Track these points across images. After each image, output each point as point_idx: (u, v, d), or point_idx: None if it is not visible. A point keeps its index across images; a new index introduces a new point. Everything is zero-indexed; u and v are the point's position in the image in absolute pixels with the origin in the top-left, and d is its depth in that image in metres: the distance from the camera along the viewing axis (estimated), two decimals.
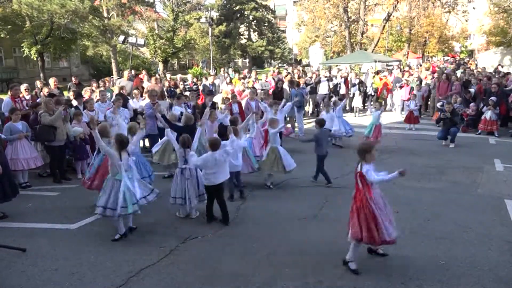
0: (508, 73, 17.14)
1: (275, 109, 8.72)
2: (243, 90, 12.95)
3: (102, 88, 10.55)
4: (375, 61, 22.11)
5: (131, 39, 20.55)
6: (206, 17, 36.79)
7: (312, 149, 7.61)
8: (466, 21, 33.21)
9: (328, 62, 28.68)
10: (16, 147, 7.25)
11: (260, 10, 43.79)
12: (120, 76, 19.88)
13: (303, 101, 13.53)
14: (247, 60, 48.96)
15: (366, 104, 16.69)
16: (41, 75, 25.25)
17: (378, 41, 31.35)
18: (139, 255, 4.81)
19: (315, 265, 4.57)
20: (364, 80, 17.01)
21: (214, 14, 41.43)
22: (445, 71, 17.60)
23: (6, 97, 9.04)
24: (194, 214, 5.97)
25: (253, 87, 12.44)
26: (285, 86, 13.40)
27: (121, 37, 22.42)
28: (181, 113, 8.18)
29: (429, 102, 16.19)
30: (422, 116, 14.47)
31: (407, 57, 37.98)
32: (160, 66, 35.44)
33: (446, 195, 6.92)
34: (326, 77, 15.84)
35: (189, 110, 9.08)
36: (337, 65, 25.47)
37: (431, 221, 5.79)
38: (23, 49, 25.08)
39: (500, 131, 12.12)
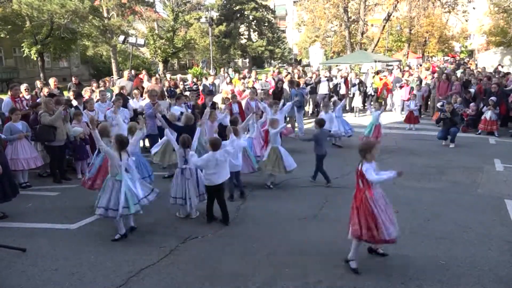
0: (508, 73, 17.14)
1: (275, 109, 8.72)
2: (243, 90, 12.95)
3: (102, 88, 10.55)
4: (375, 61, 22.11)
5: (131, 39, 20.56)
6: (206, 17, 36.79)
7: (312, 149, 7.62)
8: (466, 21, 33.21)
9: (328, 62, 28.68)
10: (16, 147, 7.25)
11: (260, 10, 43.79)
12: (120, 76, 19.88)
13: (303, 101, 13.53)
14: (247, 60, 48.97)
15: (366, 104, 16.69)
16: (41, 75, 25.25)
17: (378, 41, 31.35)
18: (139, 255, 4.81)
19: (315, 265, 4.57)
20: (364, 80, 17.01)
21: (214, 14, 41.44)
22: (445, 71, 17.61)
23: (6, 97, 9.05)
24: (194, 214, 5.98)
25: (253, 87, 12.44)
26: (285, 86, 13.40)
27: (121, 37, 22.43)
28: (181, 113, 8.18)
29: (429, 102, 16.20)
30: (422, 116, 14.47)
31: (407, 57, 37.99)
32: (160, 66, 35.44)
33: (446, 195, 6.93)
34: (326, 77, 15.84)
35: (189, 110, 9.08)
36: (337, 65, 25.48)
37: (431, 221, 5.79)
38: (23, 49, 25.08)
39: (500, 131, 12.12)
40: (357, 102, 16.17)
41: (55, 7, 22.64)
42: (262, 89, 13.65)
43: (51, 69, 29.99)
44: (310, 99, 15.90)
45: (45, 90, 9.91)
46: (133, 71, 15.67)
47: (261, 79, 15.91)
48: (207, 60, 34.25)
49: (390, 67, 23.88)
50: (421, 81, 16.38)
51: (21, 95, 8.89)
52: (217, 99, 11.66)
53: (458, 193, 7.04)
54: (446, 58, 51.21)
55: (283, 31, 58.54)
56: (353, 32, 32.50)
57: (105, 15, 27.80)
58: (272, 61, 48.40)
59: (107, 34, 27.42)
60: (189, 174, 5.80)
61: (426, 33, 41.10)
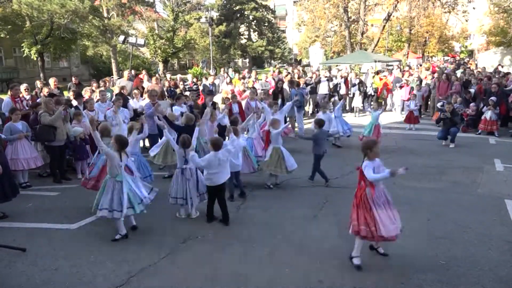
0: (508, 73, 17.13)
1: (275, 109, 8.73)
2: (243, 90, 12.95)
3: (102, 88, 10.55)
4: (375, 61, 22.12)
5: (131, 39, 20.56)
6: (206, 17, 36.81)
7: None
8: (466, 21, 33.21)
9: (328, 62, 28.68)
10: (16, 147, 7.25)
11: (260, 10, 43.81)
12: (120, 76, 19.89)
13: (303, 101, 13.53)
14: (247, 60, 48.97)
15: (365, 104, 16.69)
16: (41, 75, 25.27)
17: (378, 41, 31.35)
18: (139, 255, 4.81)
19: (315, 265, 4.57)
20: (364, 80, 17.01)
21: (214, 14, 41.46)
22: (445, 71, 17.61)
23: (6, 97, 9.05)
24: (194, 214, 5.98)
25: (253, 87, 12.44)
26: (285, 86, 13.40)
27: (121, 37, 22.43)
28: (181, 113, 8.18)
29: (429, 102, 16.20)
30: (422, 116, 14.46)
31: (407, 57, 38.00)
32: (160, 66, 35.45)
33: (446, 195, 6.92)
34: (326, 77, 15.84)
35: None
36: (337, 65, 25.48)
37: (431, 221, 5.79)
38: (23, 49, 25.09)
39: (500, 131, 12.12)
40: (357, 102, 16.17)
41: (55, 7, 22.65)
42: (262, 89, 13.65)
43: (51, 69, 30.00)
44: (310, 99, 15.91)
45: (45, 90, 9.92)
46: (133, 71, 15.67)
47: (261, 79, 15.91)
48: (207, 60, 34.25)
49: (390, 67, 23.88)
50: (421, 81, 16.38)
51: (21, 95, 8.89)
52: (217, 99, 11.66)
53: (458, 193, 7.04)
54: (446, 58, 51.22)
55: (283, 31, 58.56)
56: (353, 32, 32.50)
57: (105, 15, 27.81)
58: (272, 61, 48.41)
59: (107, 34, 27.42)
60: (189, 174, 5.79)
61: (426, 33, 41.11)
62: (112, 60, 29.16)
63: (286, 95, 12.77)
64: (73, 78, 12.86)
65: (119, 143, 5.19)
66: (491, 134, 11.97)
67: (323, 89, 15.30)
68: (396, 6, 28.84)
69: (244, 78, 16.37)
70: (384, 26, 30.86)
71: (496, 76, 15.82)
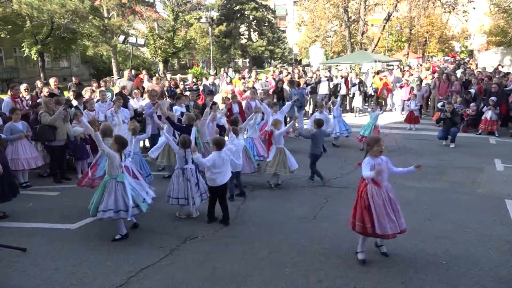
0: (508, 73, 17.12)
1: (275, 110, 8.74)
2: (244, 91, 12.95)
3: (102, 88, 10.55)
4: (375, 61, 22.11)
5: (131, 39, 20.57)
6: (206, 17, 36.85)
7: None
8: (466, 21, 33.20)
9: (328, 62, 28.70)
10: (16, 147, 7.25)
11: (260, 10, 43.82)
12: (120, 76, 19.90)
13: (304, 101, 13.53)
14: (247, 60, 48.98)
15: (366, 104, 16.70)
16: (41, 75, 25.28)
17: (378, 41, 31.35)
18: (139, 255, 4.81)
19: (315, 265, 4.57)
20: (364, 80, 17.01)
21: (214, 14, 41.48)
22: (445, 71, 17.60)
23: (6, 97, 9.05)
24: (194, 213, 5.98)
25: (253, 87, 12.44)
26: (285, 86, 13.40)
27: (121, 37, 22.45)
28: (182, 113, 8.18)
29: (429, 102, 16.20)
30: (422, 116, 14.46)
31: (407, 57, 38.00)
32: (160, 66, 35.46)
33: (446, 195, 6.92)
34: (326, 77, 15.84)
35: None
36: (336, 66, 25.48)
37: (431, 221, 5.79)
38: (24, 49, 25.10)
39: (501, 131, 12.12)
40: (357, 102, 16.17)
41: (55, 7, 22.67)
42: (262, 89, 13.65)
43: (51, 69, 30.02)
44: (311, 99, 15.90)
45: (45, 90, 9.92)
46: (133, 71, 15.67)
47: (261, 79, 15.91)
48: (207, 60, 34.29)
49: (391, 67, 23.89)
50: (421, 81, 16.38)
51: (21, 95, 8.90)
52: (217, 99, 11.67)
53: (458, 193, 7.04)
54: (446, 58, 51.20)
55: (283, 31, 58.59)
56: (353, 32, 32.50)
57: (105, 15, 27.83)
58: (272, 61, 48.42)
59: (107, 34, 27.44)
60: (190, 174, 5.80)
61: (426, 33, 41.12)
62: (112, 60, 29.18)
63: (286, 95, 12.77)
64: (73, 78, 12.87)
65: (119, 143, 5.19)
66: (491, 134, 11.97)
67: (323, 89, 15.29)
68: (396, 6, 28.84)
69: (244, 78, 16.36)
70: (384, 26, 30.86)
71: (496, 76, 15.83)
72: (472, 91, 13.47)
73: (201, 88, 14.05)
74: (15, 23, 23.50)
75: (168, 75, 16.01)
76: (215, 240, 5.24)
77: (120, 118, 7.66)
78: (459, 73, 18.75)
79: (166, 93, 12.34)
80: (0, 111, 8.50)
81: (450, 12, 31.31)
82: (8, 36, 23.82)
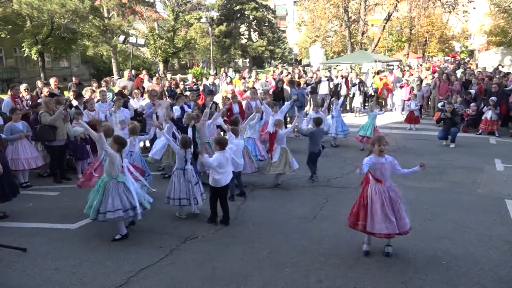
0: (508, 73, 17.12)
1: (275, 110, 8.74)
2: (244, 91, 12.95)
3: (103, 88, 10.55)
4: (376, 61, 22.11)
5: (132, 39, 20.58)
6: (206, 17, 36.85)
7: None
8: (466, 21, 33.21)
9: (329, 62, 28.70)
10: (16, 147, 7.25)
11: (261, 10, 43.82)
12: (121, 76, 19.90)
13: (304, 101, 13.53)
14: (248, 60, 48.98)
15: (366, 104, 16.70)
16: (42, 75, 25.28)
17: (378, 41, 31.35)
18: (139, 255, 4.81)
19: (315, 265, 4.57)
20: (364, 80, 17.01)
21: (215, 14, 41.48)
22: (446, 71, 17.60)
23: (6, 97, 9.05)
24: (197, 210, 5.98)
25: (253, 87, 12.44)
26: (285, 86, 13.40)
27: (122, 37, 22.45)
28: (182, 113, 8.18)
29: (429, 102, 16.19)
30: (422, 116, 14.46)
31: (408, 57, 37.99)
32: (161, 66, 35.46)
33: (447, 195, 6.92)
34: (326, 77, 15.83)
35: (189, 110, 9.06)
36: (336, 66, 25.47)
37: (431, 221, 5.79)
38: (24, 49, 25.10)
39: (501, 131, 12.12)
40: (357, 102, 16.16)
41: (55, 7, 22.67)
42: (262, 89, 13.64)
43: (51, 69, 30.02)
44: (311, 99, 15.89)
45: (45, 90, 9.92)
46: (133, 71, 15.67)
47: (260, 79, 15.90)
48: (207, 60, 34.28)
49: (391, 67, 23.88)
50: (421, 81, 16.37)
51: (21, 95, 8.90)
52: (217, 99, 11.67)
53: (458, 193, 7.04)
54: (446, 58, 51.20)
55: (284, 31, 58.57)
56: (353, 32, 32.52)
57: (106, 15, 27.83)
58: (272, 61, 48.43)
59: (107, 34, 27.44)
60: (191, 175, 5.81)
61: (427, 33, 41.13)
62: (113, 60, 29.18)
63: (286, 95, 12.77)
64: (73, 78, 12.87)
65: (119, 143, 5.19)
66: (491, 134, 11.97)
67: (323, 89, 15.28)
68: (396, 6, 28.85)
69: (244, 78, 16.35)
70: (385, 26, 30.87)
71: (497, 76, 15.82)
72: (472, 91, 13.47)
73: (201, 88, 14.05)
74: (15, 23, 23.51)
75: (168, 75, 16.01)
76: (215, 240, 5.24)
77: (117, 118, 7.63)
78: (459, 73, 18.75)
79: (166, 93, 12.34)
80: (1, 111, 8.50)
81: (450, 12, 31.33)
82: (8, 36, 23.83)
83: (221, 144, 5.60)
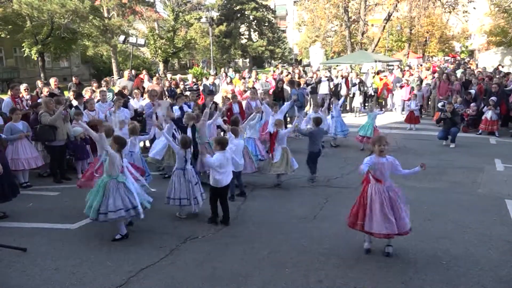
0: (508, 73, 17.12)
1: (275, 110, 8.75)
2: (244, 91, 12.95)
3: (103, 88, 10.55)
4: (376, 61, 22.12)
5: (132, 39, 20.57)
6: (206, 17, 36.86)
7: None
8: (466, 21, 33.21)
9: (329, 62, 28.70)
10: (16, 147, 7.25)
11: (261, 10, 43.82)
12: (121, 76, 19.90)
13: (304, 101, 13.53)
14: (248, 60, 48.98)
15: (366, 104, 16.71)
16: (42, 75, 25.28)
17: (378, 41, 31.36)
18: (139, 255, 4.81)
19: (315, 265, 4.57)
20: (364, 80, 17.00)
21: (215, 14, 41.47)
22: (446, 71, 17.60)
23: (6, 97, 9.05)
24: (196, 210, 5.99)
25: (253, 87, 12.44)
26: (285, 86, 13.40)
27: (122, 37, 22.44)
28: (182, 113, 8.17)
29: (429, 102, 16.19)
30: (422, 116, 14.45)
31: (408, 57, 37.99)
32: (161, 66, 35.46)
33: (447, 195, 6.92)
34: (326, 77, 15.83)
35: (189, 110, 9.06)
36: (336, 66, 25.47)
37: (431, 221, 5.79)
38: (24, 49, 25.10)
39: (501, 131, 12.12)
40: (357, 102, 16.16)
41: (55, 7, 22.67)
42: (262, 89, 13.65)
43: (51, 69, 30.03)
44: (311, 99, 15.89)
45: (45, 90, 9.92)
46: (133, 71, 15.67)
47: (260, 79, 15.91)
48: (207, 60, 34.28)
49: (391, 67, 23.88)
50: (421, 81, 16.37)
51: (21, 95, 8.90)
52: (217, 98, 11.67)
53: (458, 193, 7.04)
54: (446, 58, 51.21)
55: (284, 31, 58.57)
56: (353, 32, 32.52)
57: (106, 15, 27.83)
58: (273, 61, 48.43)
59: (107, 34, 27.43)
60: (191, 175, 5.81)
61: (427, 33, 41.14)
62: (113, 60, 29.18)
63: (287, 95, 12.77)
64: (73, 78, 12.87)
65: (119, 143, 5.19)
66: (491, 134, 11.97)
67: (323, 89, 15.29)
68: (396, 6, 28.85)
69: (244, 78, 16.35)
70: (385, 26, 30.87)
71: (497, 76, 15.82)
72: (472, 91, 13.46)
73: (201, 88, 14.05)
74: (15, 23, 23.50)
75: (168, 75, 16.01)
76: (215, 240, 5.24)
77: (116, 118, 7.63)
78: (459, 73, 18.75)
79: (166, 93, 12.34)
80: (1, 111, 8.50)
81: (450, 12, 31.32)
82: (8, 36, 23.82)
83: (222, 144, 5.60)
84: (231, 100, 10.10)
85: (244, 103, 10.81)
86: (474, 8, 30.36)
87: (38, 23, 23.87)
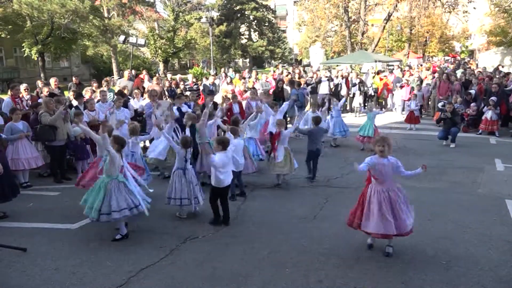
0: (508, 73, 17.13)
1: (275, 110, 8.75)
2: (245, 91, 12.96)
3: (104, 88, 10.55)
4: (376, 61, 22.12)
5: (132, 39, 20.59)
6: (206, 17, 36.85)
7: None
8: (466, 21, 33.21)
9: (329, 62, 28.70)
10: (17, 147, 7.26)
11: (261, 10, 43.81)
12: (121, 76, 19.90)
13: (304, 101, 13.53)
14: (248, 60, 48.98)
15: (366, 104, 16.70)
16: (42, 75, 25.27)
17: (378, 41, 31.36)
18: (139, 255, 4.81)
19: (315, 265, 4.58)
20: (364, 80, 17.01)
21: (215, 14, 41.45)
22: (446, 71, 17.59)
23: (6, 97, 9.06)
24: (197, 209, 5.99)
25: (253, 88, 12.45)
26: (285, 86, 13.40)
27: (122, 37, 22.45)
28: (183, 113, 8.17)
29: (429, 102, 16.19)
30: (422, 116, 14.45)
31: (408, 57, 38.00)
32: (161, 66, 35.46)
33: (447, 195, 6.92)
34: (326, 77, 15.84)
35: (189, 110, 9.06)
36: (336, 66, 25.48)
37: (431, 221, 5.79)
38: (24, 49, 25.10)
39: (501, 131, 12.11)
40: (357, 102, 16.16)
41: (55, 7, 22.66)
42: (262, 89, 13.65)
43: (51, 69, 30.03)
44: (311, 99, 15.89)
45: (45, 90, 9.92)
46: (133, 71, 15.67)
47: (260, 79, 15.91)
48: (207, 60, 34.27)
49: (391, 67, 23.89)
50: (421, 81, 16.37)
51: (21, 95, 8.90)
52: (217, 98, 11.67)
53: (458, 193, 7.04)
54: (446, 58, 51.20)
55: (284, 31, 58.56)
56: (353, 32, 32.53)
57: (106, 15, 27.82)
58: (273, 61, 48.43)
59: (107, 34, 27.42)
60: (192, 175, 5.82)
61: (427, 33, 41.15)
62: (113, 60, 29.18)
63: (287, 95, 12.78)
64: (73, 78, 12.88)
65: (119, 143, 5.19)
66: (491, 134, 11.97)
67: (323, 89, 15.29)
68: (396, 6, 28.85)
69: (244, 78, 16.36)
70: (385, 26, 30.87)
71: (497, 76, 15.82)
72: (473, 91, 13.46)
73: (201, 88, 14.05)
74: (15, 23, 23.49)
75: (169, 75, 16.01)
76: (215, 240, 5.24)
77: (114, 119, 7.62)
78: (459, 73, 18.75)
79: (166, 93, 12.34)
80: (1, 111, 8.51)
81: (450, 12, 31.32)
82: (8, 36, 23.82)
83: (224, 144, 5.60)
84: (231, 100, 10.10)
85: (244, 103, 10.81)
86: (474, 8, 30.38)
87: (38, 23, 23.87)
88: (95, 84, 11.65)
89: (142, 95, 10.71)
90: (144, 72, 16.28)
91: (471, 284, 4.19)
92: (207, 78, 15.31)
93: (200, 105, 10.11)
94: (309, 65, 36.49)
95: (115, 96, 10.05)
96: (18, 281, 4.30)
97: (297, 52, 59.67)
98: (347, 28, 31.04)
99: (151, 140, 8.60)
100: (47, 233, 5.47)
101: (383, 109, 15.36)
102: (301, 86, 13.36)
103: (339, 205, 6.28)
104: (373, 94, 16.66)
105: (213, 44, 34.36)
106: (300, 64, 47.21)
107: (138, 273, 4.42)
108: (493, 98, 11.98)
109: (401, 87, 15.98)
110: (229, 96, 10.70)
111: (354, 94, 16.21)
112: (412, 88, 15.19)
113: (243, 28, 45.44)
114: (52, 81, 11.10)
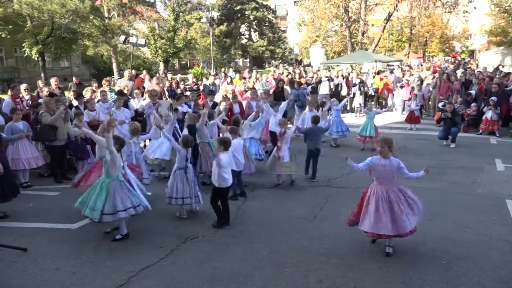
0: (509, 73, 17.10)
1: (275, 110, 8.76)
2: (245, 91, 12.96)
3: (104, 88, 10.55)
4: (376, 61, 22.13)
5: (132, 39, 20.59)
6: (207, 17, 36.85)
7: None
8: (467, 21, 33.19)
9: (329, 62, 28.70)
10: (17, 147, 7.26)
11: (261, 10, 43.80)
12: (121, 76, 19.90)
13: (304, 101, 13.52)
14: (248, 60, 48.97)
15: (366, 104, 16.70)
16: (42, 75, 25.26)
17: (379, 41, 31.35)
18: (139, 255, 4.81)
19: (315, 265, 4.58)
20: (364, 80, 17.00)
21: (215, 14, 41.44)
22: (446, 71, 17.59)
23: (6, 97, 9.06)
24: (197, 208, 6.02)
25: (253, 88, 12.45)
26: (285, 86, 13.40)
27: (122, 37, 22.44)
28: (183, 113, 8.18)
29: (429, 102, 16.19)
30: (422, 116, 14.44)
31: (408, 57, 37.98)
32: (161, 66, 35.45)
33: (447, 195, 6.92)
34: (327, 77, 15.83)
35: (190, 110, 9.07)
36: (337, 66, 25.47)
37: (431, 221, 5.79)
38: (24, 49, 25.09)
39: (501, 131, 12.11)
40: (358, 102, 16.15)
41: (55, 7, 22.65)
42: (262, 89, 13.65)
43: (52, 69, 30.03)
44: (310, 99, 15.88)
45: (46, 90, 9.92)
46: (133, 71, 15.68)
47: (261, 79, 15.91)
48: (207, 60, 34.27)
49: (391, 67, 23.88)
50: (422, 81, 16.37)
51: (21, 95, 8.90)
52: (217, 98, 11.67)
53: (458, 193, 7.04)
54: (447, 58, 51.16)
55: (284, 31, 58.52)
56: (353, 32, 32.52)
57: (106, 15, 27.80)
58: (273, 61, 48.41)
59: (107, 34, 27.40)
60: (192, 174, 5.82)
61: (427, 33, 41.13)
62: (113, 60, 29.16)
63: (287, 95, 12.78)
64: (74, 78, 12.88)
65: (119, 144, 5.20)
66: (492, 134, 11.96)
67: (324, 89, 15.29)
68: (396, 6, 28.84)
69: (244, 78, 16.36)
70: (385, 26, 30.86)
71: (497, 76, 15.81)
72: (473, 92, 13.45)
73: (201, 88, 14.05)
74: (15, 23, 23.49)
75: (169, 75, 16.02)
76: (215, 240, 5.24)
77: (109, 116, 7.60)
78: (459, 73, 18.73)
79: (166, 93, 12.35)
80: (1, 111, 8.51)
81: (450, 12, 31.32)
82: (8, 36, 23.81)
83: (225, 144, 5.60)
84: (231, 100, 10.11)
85: (244, 103, 10.81)
86: (475, 8, 30.36)
87: (39, 23, 23.86)
88: (95, 84, 11.66)
89: (142, 95, 10.72)
90: (144, 72, 16.29)
91: (471, 284, 4.19)
92: (207, 78, 15.32)
93: (201, 105, 10.12)
94: (309, 65, 36.46)
95: (115, 96, 10.06)
96: (19, 281, 4.31)
97: (297, 52, 59.64)
98: (347, 28, 31.04)
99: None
100: (48, 233, 5.47)
101: (383, 109, 15.35)
102: (302, 86, 13.35)
103: (339, 205, 6.28)
104: (373, 94, 16.66)
105: (213, 44, 34.35)
106: (301, 64, 47.17)
107: (138, 273, 4.43)
108: (493, 98, 11.97)
109: (402, 87, 15.98)
110: (229, 96, 10.70)
111: (354, 94, 16.21)
112: (413, 88, 15.19)
113: (243, 28, 45.43)
114: (53, 81, 11.11)
